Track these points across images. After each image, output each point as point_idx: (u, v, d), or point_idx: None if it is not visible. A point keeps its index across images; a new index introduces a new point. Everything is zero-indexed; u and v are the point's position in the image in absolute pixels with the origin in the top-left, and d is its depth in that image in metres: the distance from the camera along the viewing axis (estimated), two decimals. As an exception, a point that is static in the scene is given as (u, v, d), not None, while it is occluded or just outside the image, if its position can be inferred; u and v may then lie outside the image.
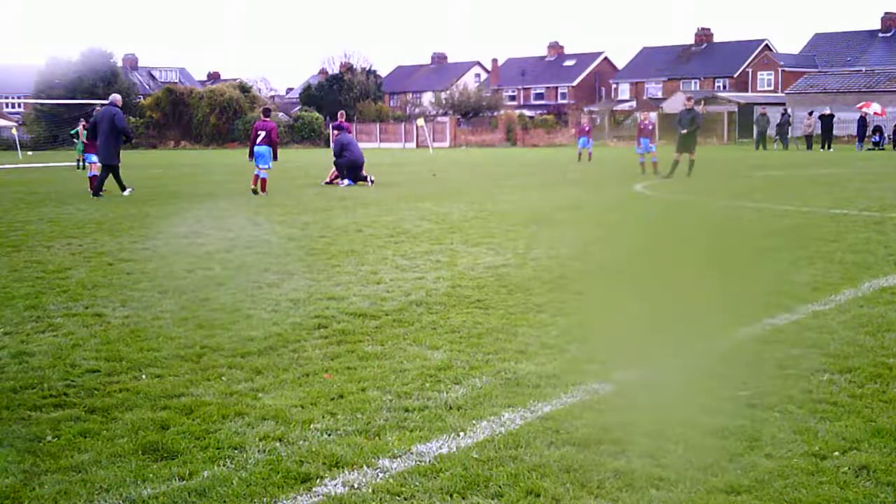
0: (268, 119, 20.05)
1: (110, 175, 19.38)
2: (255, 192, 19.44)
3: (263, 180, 19.60)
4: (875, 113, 47.65)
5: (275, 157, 19.84)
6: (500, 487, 3.82)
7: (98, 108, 21.97)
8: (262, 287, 8.30)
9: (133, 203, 17.82)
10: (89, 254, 10.54)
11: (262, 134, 19.61)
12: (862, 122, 47.90)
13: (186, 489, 3.82)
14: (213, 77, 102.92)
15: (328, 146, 66.69)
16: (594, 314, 7.29)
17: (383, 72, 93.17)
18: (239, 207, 16.65)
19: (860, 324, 6.57)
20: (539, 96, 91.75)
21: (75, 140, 34.27)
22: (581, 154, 35.17)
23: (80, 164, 33.52)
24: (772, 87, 75.19)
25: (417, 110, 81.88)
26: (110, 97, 19.93)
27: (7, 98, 75.60)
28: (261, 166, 19.54)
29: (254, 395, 5.11)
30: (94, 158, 20.38)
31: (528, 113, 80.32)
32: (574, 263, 9.71)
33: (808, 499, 3.68)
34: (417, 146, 68.32)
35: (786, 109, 52.20)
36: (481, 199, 17.74)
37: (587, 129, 35.84)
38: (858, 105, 48.47)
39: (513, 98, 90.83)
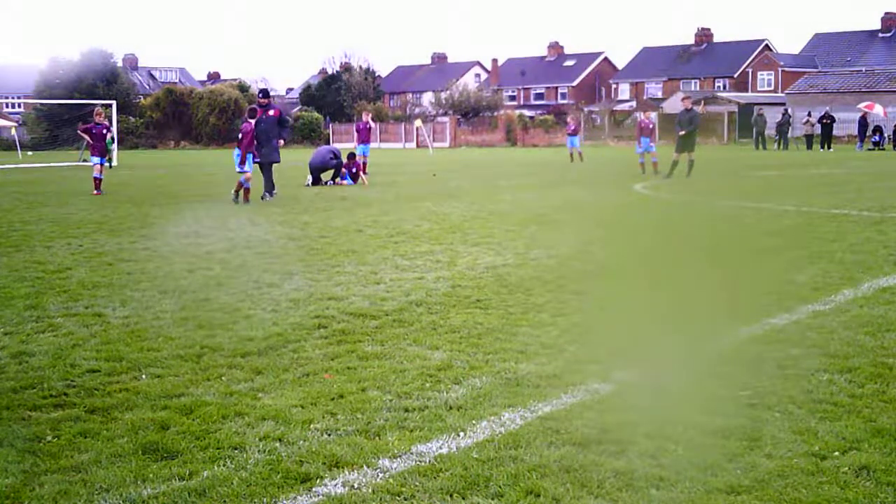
0: (249, 121, 17.69)
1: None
2: (235, 199, 17.31)
3: (239, 184, 17.34)
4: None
5: (241, 161, 17.31)
6: (500, 487, 3.82)
7: (99, 108, 21.91)
8: (262, 287, 8.30)
9: (133, 203, 17.82)
10: (89, 254, 10.54)
11: (240, 136, 17.60)
12: (863, 121, 47.84)
13: (186, 489, 3.82)
14: (213, 77, 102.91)
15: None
16: (594, 314, 7.29)
17: (383, 72, 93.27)
18: (238, 208, 16.64)
19: (860, 324, 6.57)
20: (539, 96, 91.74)
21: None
22: (572, 155, 35.16)
23: (107, 163, 33.54)
24: (772, 88, 75.19)
25: (417, 110, 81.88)
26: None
27: (7, 98, 75.52)
28: (238, 170, 17.40)
29: (254, 395, 5.11)
30: (96, 160, 20.34)
31: (528, 113, 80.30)
32: (574, 263, 9.71)
33: (808, 499, 3.68)
34: (417, 146, 68.33)
35: (786, 109, 52.19)
36: (481, 199, 17.73)
37: (573, 128, 35.83)
38: (864, 105, 48.22)
39: (513, 98, 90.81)
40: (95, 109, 21.43)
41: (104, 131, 20.71)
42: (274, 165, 18.40)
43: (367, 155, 27.40)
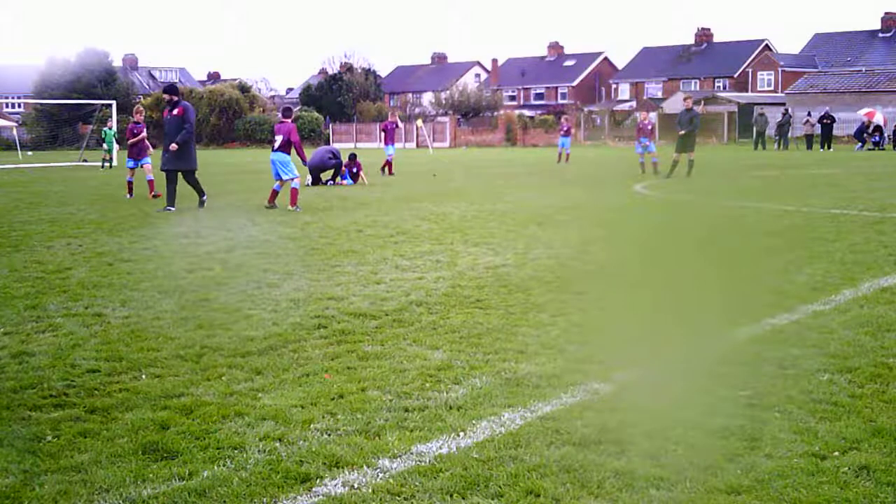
0: (286, 119, 16.45)
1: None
2: (269, 207, 16.00)
3: (294, 191, 15.93)
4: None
5: (303, 161, 16.81)
6: (500, 487, 3.82)
7: (139, 106, 20.77)
8: (263, 287, 8.30)
9: (133, 203, 17.82)
10: (89, 254, 10.54)
11: (280, 138, 16.10)
12: (862, 127, 47.74)
13: (186, 489, 3.82)
14: (213, 77, 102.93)
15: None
16: (594, 314, 7.28)
17: (383, 72, 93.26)
18: (239, 208, 16.63)
19: (860, 324, 6.57)
20: (539, 96, 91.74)
21: (104, 141, 34.47)
22: (560, 155, 35.28)
23: (107, 164, 33.55)
24: (772, 87, 75.18)
25: (417, 110, 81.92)
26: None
27: (7, 98, 75.53)
28: (283, 178, 16.10)
29: (254, 395, 5.11)
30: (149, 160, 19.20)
31: (528, 113, 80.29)
32: (574, 263, 9.71)
33: (808, 499, 3.68)
34: (417, 146, 68.32)
35: (787, 109, 52.18)
36: (481, 199, 17.73)
37: (565, 128, 35.93)
38: (864, 112, 48.16)
39: (513, 98, 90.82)
40: (136, 108, 20.16)
41: (144, 131, 19.62)
42: (182, 173, 16.06)
43: (392, 155, 27.94)
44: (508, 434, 4.41)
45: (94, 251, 10.77)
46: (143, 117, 19.74)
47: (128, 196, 19.01)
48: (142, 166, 19.52)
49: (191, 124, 15.95)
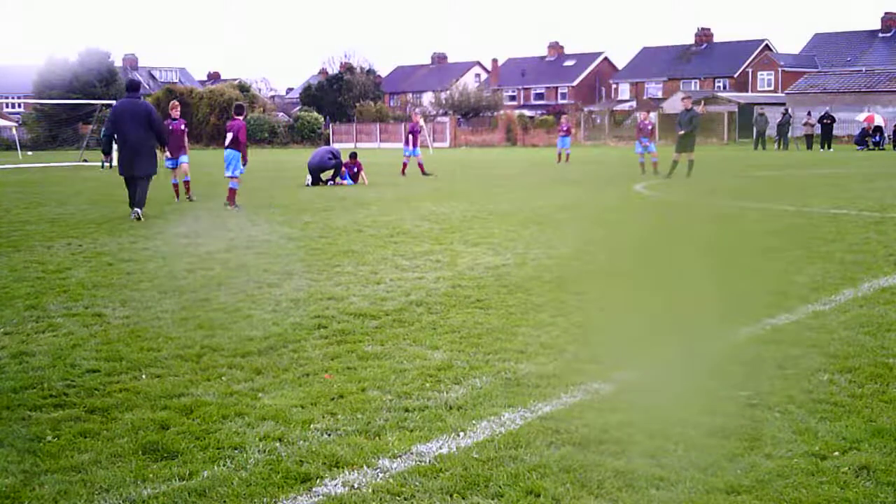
0: (238, 117, 16.43)
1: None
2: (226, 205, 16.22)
3: (231, 191, 16.28)
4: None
5: (244, 160, 16.28)
6: (500, 487, 3.82)
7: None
8: (262, 287, 8.30)
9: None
10: (89, 254, 10.54)
11: (230, 136, 16.21)
12: (863, 132, 47.73)
13: (186, 489, 3.82)
14: (213, 77, 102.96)
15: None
16: (594, 314, 7.28)
17: (383, 72, 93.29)
18: (238, 207, 16.62)
19: (860, 324, 6.57)
20: (539, 96, 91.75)
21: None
22: (560, 155, 35.25)
23: (107, 164, 33.52)
24: (772, 87, 75.19)
25: (417, 110, 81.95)
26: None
27: (7, 98, 75.55)
28: (226, 174, 16.30)
29: (254, 395, 5.11)
30: (186, 159, 18.21)
31: (528, 113, 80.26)
32: (574, 263, 9.71)
33: (808, 499, 3.68)
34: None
35: (787, 109, 52.17)
36: (481, 199, 17.73)
37: (565, 128, 35.92)
38: (863, 118, 48.18)
39: (513, 98, 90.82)
40: (172, 103, 18.87)
41: (182, 127, 18.46)
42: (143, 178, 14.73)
43: (409, 156, 27.56)
44: (508, 434, 4.41)
45: (94, 251, 10.77)
46: (178, 112, 18.57)
47: (176, 200, 18.11)
48: (179, 165, 18.32)
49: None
